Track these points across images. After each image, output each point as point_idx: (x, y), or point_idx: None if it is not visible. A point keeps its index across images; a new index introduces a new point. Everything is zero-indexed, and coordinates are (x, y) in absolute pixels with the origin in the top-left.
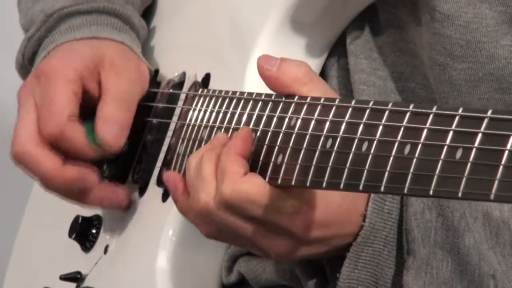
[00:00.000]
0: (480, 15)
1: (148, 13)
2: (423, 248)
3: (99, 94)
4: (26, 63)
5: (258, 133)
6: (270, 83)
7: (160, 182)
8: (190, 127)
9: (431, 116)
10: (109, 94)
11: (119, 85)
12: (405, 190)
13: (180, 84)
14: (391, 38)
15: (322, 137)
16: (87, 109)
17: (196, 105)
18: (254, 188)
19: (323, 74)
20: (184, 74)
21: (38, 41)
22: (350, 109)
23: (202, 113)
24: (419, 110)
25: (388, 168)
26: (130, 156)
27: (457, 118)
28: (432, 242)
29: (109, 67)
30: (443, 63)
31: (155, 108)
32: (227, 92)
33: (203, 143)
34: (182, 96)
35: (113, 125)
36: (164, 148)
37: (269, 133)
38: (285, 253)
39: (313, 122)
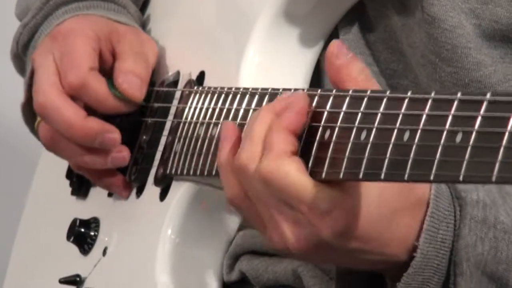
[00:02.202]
0: (462, 23)
1: (143, 21)
2: (470, 282)
3: (112, 63)
4: (20, 51)
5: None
6: (332, 71)
7: (157, 181)
8: (186, 124)
9: (429, 101)
10: (126, 53)
11: (134, 47)
12: (406, 177)
13: (174, 83)
14: (382, 35)
15: (320, 128)
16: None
17: (192, 103)
18: (295, 173)
19: (318, 69)
20: (178, 73)
21: (34, 28)
22: (347, 99)
23: (198, 110)
24: (417, 96)
25: (387, 155)
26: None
27: (455, 102)
28: (480, 274)
29: (122, 36)
30: (434, 62)
31: (150, 107)
32: (222, 87)
33: (200, 140)
34: (177, 95)
35: (133, 77)
36: (161, 147)
37: None
38: (304, 249)
39: (310, 113)
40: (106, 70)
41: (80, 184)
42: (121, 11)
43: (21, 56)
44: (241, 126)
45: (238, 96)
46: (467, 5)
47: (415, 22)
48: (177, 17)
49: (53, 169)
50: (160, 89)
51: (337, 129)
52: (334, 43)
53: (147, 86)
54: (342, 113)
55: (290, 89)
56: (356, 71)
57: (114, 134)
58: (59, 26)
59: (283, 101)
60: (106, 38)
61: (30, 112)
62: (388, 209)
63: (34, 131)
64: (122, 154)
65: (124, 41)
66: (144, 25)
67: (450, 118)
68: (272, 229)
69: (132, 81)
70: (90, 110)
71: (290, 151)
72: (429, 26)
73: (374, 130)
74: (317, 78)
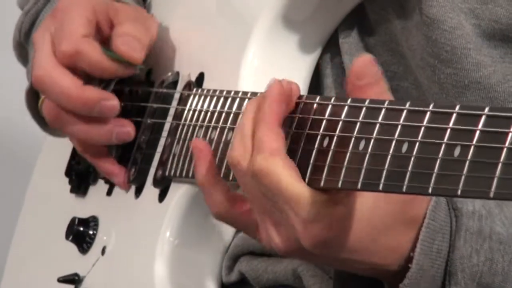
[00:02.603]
0: (462, 23)
1: None
2: None
3: (110, 30)
4: (23, 39)
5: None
6: (354, 85)
7: (156, 183)
8: (185, 127)
9: (428, 113)
10: (124, 19)
11: (132, 15)
12: (404, 188)
13: (173, 84)
14: (382, 38)
15: (319, 136)
16: None
17: (191, 105)
18: (284, 175)
19: (318, 72)
20: (177, 73)
21: (35, 14)
22: (346, 108)
23: (197, 112)
24: (416, 108)
25: (386, 167)
26: (125, 157)
27: (454, 115)
28: (476, 286)
29: (121, 10)
30: (433, 64)
31: (149, 108)
32: (221, 91)
33: None
34: (177, 96)
35: (131, 38)
36: (159, 148)
37: None
38: (289, 251)
39: (309, 121)
40: (104, 41)
41: (79, 182)
42: None
43: (23, 44)
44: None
45: (237, 99)
46: (467, 5)
47: (413, 25)
48: (177, 18)
49: (52, 166)
50: (160, 90)
51: (335, 137)
52: (360, 61)
53: (146, 50)
54: (341, 122)
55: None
56: (375, 90)
57: (112, 101)
58: (57, 4)
59: (262, 94)
60: (104, 10)
61: (33, 98)
62: (380, 223)
63: (36, 116)
64: (127, 129)
65: (122, 13)
66: None
67: (448, 131)
68: (261, 228)
69: (130, 42)
70: (89, 80)
71: (276, 147)
72: (428, 28)
73: (372, 140)
74: (317, 82)
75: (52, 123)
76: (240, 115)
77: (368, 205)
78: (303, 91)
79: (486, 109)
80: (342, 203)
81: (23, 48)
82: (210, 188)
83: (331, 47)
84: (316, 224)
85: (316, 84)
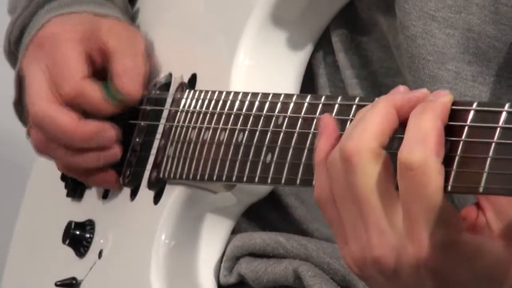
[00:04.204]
0: (429, 33)
1: (132, 15)
2: None
3: (101, 60)
4: (13, 48)
5: (246, 133)
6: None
7: (151, 185)
8: (179, 128)
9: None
10: (118, 51)
11: (124, 42)
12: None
13: (166, 86)
14: (374, 35)
15: (310, 135)
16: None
17: (184, 106)
18: (439, 179)
19: (311, 72)
20: (170, 75)
21: (22, 25)
22: (336, 106)
23: (189, 114)
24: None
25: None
26: (119, 160)
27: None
28: None
29: (108, 31)
30: (404, 67)
31: (142, 110)
32: (213, 92)
33: (192, 144)
34: (169, 98)
35: (133, 75)
36: (154, 150)
37: (257, 133)
38: (391, 267)
39: (300, 120)
40: (97, 68)
41: (75, 186)
42: (104, 4)
43: (14, 53)
44: (231, 131)
45: (229, 100)
46: (440, 14)
47: (396, 25)
48: (168, 20)
49: (48, 170)
50: (152, 92)
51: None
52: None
53: (145, 82)
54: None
55: (280, 95)
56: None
57: (110, 131)
58: (41, 31)
59: (405, 95)
60: (92, 37)
61: (22, 110)
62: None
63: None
64: (114, 151)
65: (113, 36)
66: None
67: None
68: (355, 238)
69: (132, 80)
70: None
71: (440, 153)
72: (397, 31)
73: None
74: (309, 82)
75: (40, 151)
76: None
77: (498, 251)
78: (296, 90)
79: (474, 104)
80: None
81: (15, 57)
82: (320, 166)
83: (323, 46)
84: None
85: (309, 84)
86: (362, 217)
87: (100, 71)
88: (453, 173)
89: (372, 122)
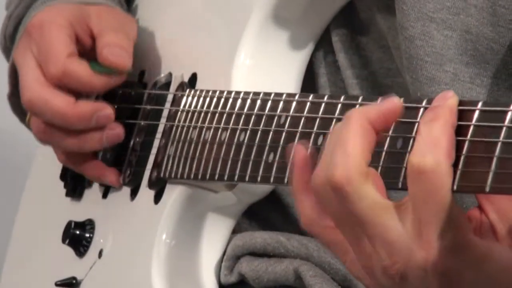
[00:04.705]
0: (428, 34)
1: (130, 13)
2: None
3: (91, 45)
4: (8, 43)
5: (248, 133)
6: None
7: (151, 184)
8: (179, 128)
9: (421, 110)
10: (104, 29)
11: (111, 24)
12: (399, 185)
13: (166, 85)
14: (374, 36)
15: (313, 134)
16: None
17: (184, 106)
18: (449, 181)
19: (312, 71)
20: (170, 74)
21: (17, 19)
22: (339, 105)
23: (190, 113)
24: (411, 104)
25: (381, 164)
26: (119, 160)
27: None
28: None
29: (96, 17)
30: (406, 67)
31: (142, 110)
32: (214, 91)
33: (193, 144)
34: (170, 97)
35: (117, 47)
36: (154, 150)
37: (259, 132)
38: (397, 276)
39: (303, 119)
40: (87, 52)
41: (74, 185)
42: None
43: (10, 48)
44: (233, 130)
45: (230, 100)
46: (439, 15)
47: (396, 26)
48: (168, 19)
49: (47, 170)
50: (153, 92)
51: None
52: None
53: (131, 56)
54: (334, 120)
55: (282, 94)
56: None
57: (107, 110)
58: (31, 21)
59: (377, 110)
60: (80, 21)
61: (17, 103)
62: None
63: (24, 120)
64: (116, 131)
65: (100, 20)
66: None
67: None
68: (361, 255)
69: (117, 51)
70: (80, 95)
71: (452, 157)
72: (399, 32)
73: None
74: (310, 81)
75: (42, 140)
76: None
77: (507, 256)
78: (296, 90)
79: (480, 104)
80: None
81: (10, 52)
82: (301, 196)
83: (323, 46)
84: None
85: (309, 83)
86: (368, 235)
87: (92, 54)
88: (458, 173)
89: (352, 144)
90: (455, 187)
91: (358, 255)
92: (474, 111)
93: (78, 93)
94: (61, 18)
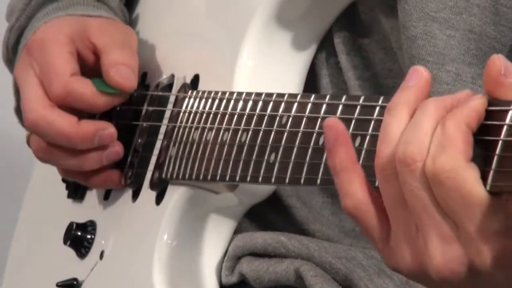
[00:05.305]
0: (430, 34)
1: (133, 15)
2: None
3: (94, 60)
4: (11, 55)
5: (250, 133)
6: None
7: (153, 185)
8: (181, 129)
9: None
10: (109, 46)
11: (115, 39)
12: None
13: (169, 87)
14: (375, 37)
15: (315, 134)
16: (85, 76)
17: (187, 107)
18: (472, 182)
19: (313, 73)
20: (172, 76)
21: (19, 30)
22: (341, 106)
23: (192, 114)
24: (369, 103)
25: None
26: (121, 161)
27: None
28: None
29: (98, 31)
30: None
31: (145, 111)
32: (216, 92)
33: (195, 145)
34: (172, 98)
35: (123, 67)
36: (156, 151)
37: (261, 133)
38: (448, 274)
39: (304, 119)
40: (90, 68)
41: (76, 187)
42: (100, 7)
43: (12, 59)
44: (235, 131)
45: (232, 101)
46: (441, 15)
47: (399, 26)
48: (170, 20)
49: (49, 172)
50: (155, 93)
51: (368, 136)
52: (497, 58)
53: (137, 74)
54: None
55: (284, 94)
56: None
57: (109, 129)
58: (31, 37)
59: (455, 98)
60: (81, 36)
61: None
62: None
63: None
64: (115, 149)
65: (103, 34)
66: (134, 24)
67: None
68: (409, 244)
69: (124, 72)
70: (82, 112)
71: (468, 154)
72: (401, 32)
73: (368, 137)
74: (312, 83)
75: (42, 159)
76: (235, 117)
77: None
78: (298, 91)
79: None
80: None
81: (13, 63)
82: (350, 175)
83: (325, 47)
84: (502, 239)
85: (311, 85)
86: (428, 223)
87: (94, 70)
88: (491, 173)
89: (426, 123)
90: (488, 187)
91: (404, 240)
92: (507, 111)
93: (80, 111)
94: (62, 35)
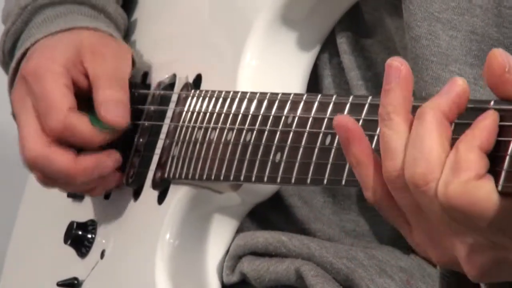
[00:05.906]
0: (434, 34)
1: (134, 15)
2: None
3: (88, 85)
4: (7, 59)
5: (254, 133)
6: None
7: (155, 185)
8: (184, 128)
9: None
10: (100, 78)
11: (107, 68)
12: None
13: (170, 86)
14: (379, 38)
15: (321, 134)
16: (81, 103)
17: (189, 106)
18: (485, 197)
19: (316, 73)
20: (174, 75)
21: (15, 34)
22: (348, 105)
23: (195, 114)
24: (415, 104)
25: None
26: (123, 160)
27: None
28: None
29: (91, 55)
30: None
31: (146, 110)
32: (220, 92)
33: (198, 144)
34: (174, 98)
35: (114, 105)
36: (158, 150)
37: (266, 132)
38: (478, 276)
39: (310, 119)
40: (84, 93)
41: None
42: (97, 16)
43: (9, 63)
44: (239, 131)
45: (236, 100)
46: (444, 15)
47: (403, 26)
48: (173, 19)
49: None
50: (157, 92)
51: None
52: (499, 53)
53: (129, 109)
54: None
55: (289, 94)
56: None
57: (108, 161)
58: (26, 64)
59: (448, 98)
60: (75, 63)
61: None
62: None
63: None
64: (115, 178)
65: (95, 59)
66: (135, 25)
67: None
68: (433, 243)
69: (114, 110)
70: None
71: (482, 174)
72: (406, 31)
73: (375, 137)
74: (315, 83)
75: (45, 186)
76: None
77: None
78: (302, 91)
79: (491, 103)
80: None
81: (9, 66)
82: (368, 169)
83: (328, 47)
84: None
85: (314, 85)
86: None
87: (87, 94)
88: (503, 173)
89: (429, 142)
90: (500, 188)
91: (428, 239)
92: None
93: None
94: (56, 65)
